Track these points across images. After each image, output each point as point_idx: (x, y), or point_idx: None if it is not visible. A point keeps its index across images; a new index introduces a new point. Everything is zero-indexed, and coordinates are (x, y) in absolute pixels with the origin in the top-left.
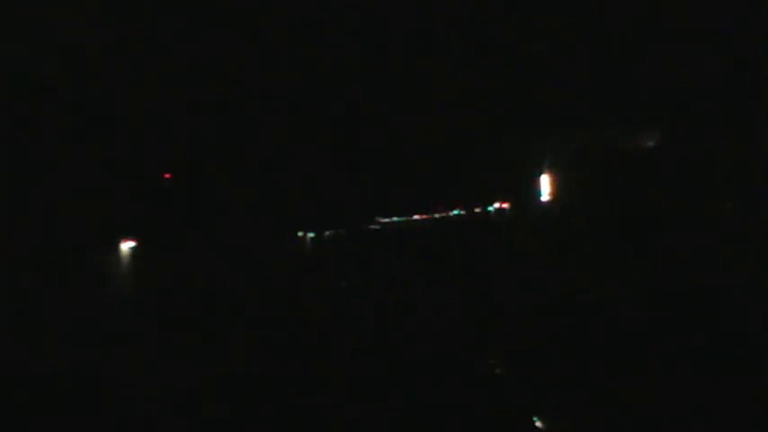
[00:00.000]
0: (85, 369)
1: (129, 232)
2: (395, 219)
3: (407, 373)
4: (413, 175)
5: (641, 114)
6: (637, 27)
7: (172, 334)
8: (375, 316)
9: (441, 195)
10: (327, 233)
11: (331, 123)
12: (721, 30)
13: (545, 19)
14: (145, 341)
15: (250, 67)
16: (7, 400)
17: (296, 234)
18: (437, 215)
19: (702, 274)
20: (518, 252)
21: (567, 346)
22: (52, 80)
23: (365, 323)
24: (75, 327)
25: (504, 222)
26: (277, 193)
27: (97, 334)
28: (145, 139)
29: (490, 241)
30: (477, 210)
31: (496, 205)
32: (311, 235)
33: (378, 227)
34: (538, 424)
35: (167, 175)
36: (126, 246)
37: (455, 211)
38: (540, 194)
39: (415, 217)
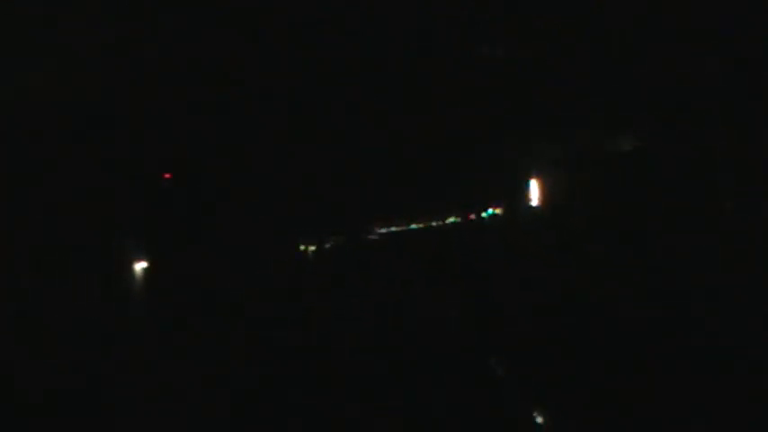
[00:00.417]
0: (88, 370)
1: (130, 233)
2: (393, 228)
3: (407, 374)
4: (409, 186)
5: (624, 120)
6: (621, 36)
7: (172, 335)
8: (376, 317)
9: (436, 204)
10: (328, 243)
11: (331, 124)
12: (700, 36)
13: (530, 28)
14: (145, 342)
15: (250, 67)
16: (9, 400)
17: (297, 242)
18: (434, 223)
19: (691, 273)
20: (511, 254)
21: (563, 346)
22: (51, 81)
23: (366, 324)
24: (77, 327)
25: (497, 226)
26: (276, 196)
27: (99, 335)
28: (145, 139)
29: (485, 245)
30: (472, 216)
31: (490, 211)
32: (312, 248)
33: (376, 236)
34: (539, 420)
35: (167, 175)
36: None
37: (451, 219)
38: (529, 199)
39: (413, 225)
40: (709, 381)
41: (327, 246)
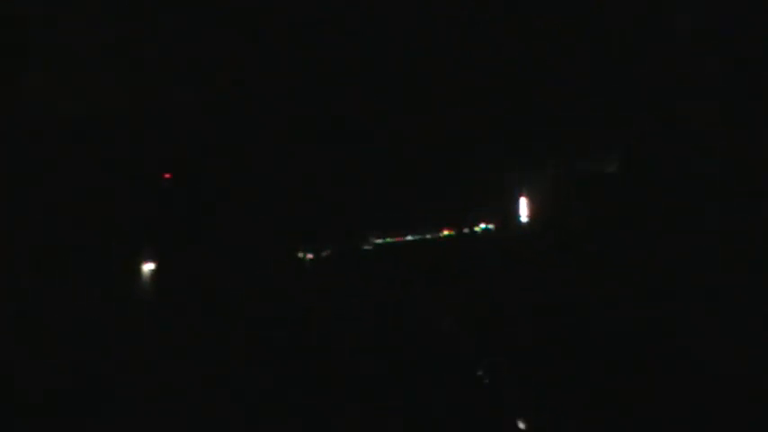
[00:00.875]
0: (88, 370)
1: (129, 233)
2: (388, 240)
3: (404, 378)
4: (405, 199)
5: (606, 144)
6: (609, 61)
7: (171, 335)
8: (371, 323)
9: (431, 218)
10: (324, 252)
11: (330, 132)
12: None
13: (523, 54)
14: (144, 342)
15: (250, 67)
16: (9, 400)
17: (295, 250)
18: (428, 236)
19: (674, 283)
20: (502, 267)
21: (554, 353)
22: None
23: (361, 328)
24: (78, 327)
25: (489, 240)
26: (274, 203)
27: (99, 335)
28: (145, 139)
29: (477, 257)
30: (466, 230)
31: (482, 226)
32: (310, 256)
33: (371, 247)
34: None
35: (167, 176)
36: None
37: (445, 232)
38: (519, 215)
39: (408, 237)
40: (708, 381)
41: (324, 254)
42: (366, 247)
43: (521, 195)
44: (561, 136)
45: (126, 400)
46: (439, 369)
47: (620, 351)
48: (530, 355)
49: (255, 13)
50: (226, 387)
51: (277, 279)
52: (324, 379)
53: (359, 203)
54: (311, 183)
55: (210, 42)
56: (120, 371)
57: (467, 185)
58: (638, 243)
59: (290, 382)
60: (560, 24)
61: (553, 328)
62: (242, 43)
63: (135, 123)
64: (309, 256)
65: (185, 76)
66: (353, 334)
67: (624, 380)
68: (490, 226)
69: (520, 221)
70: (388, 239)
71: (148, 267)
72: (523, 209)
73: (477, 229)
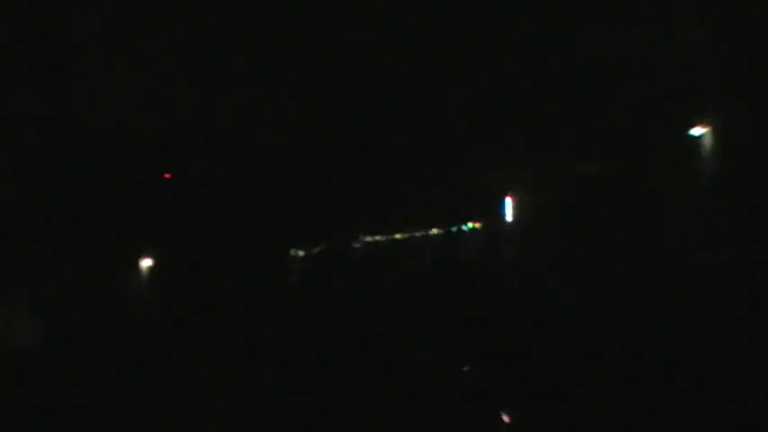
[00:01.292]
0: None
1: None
2: (378, 237)
3: (396, 370)
4: (394, 198)
5: (588, 146)
6: (589, 77)
7: (168, 332)
8: (361, 319)
9: (420, 217)
10: (315, 249)
11: (325, 136)
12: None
13: (513, 67)
14: (143, 340)
15: (251, 66)
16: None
17: (288, 250)
18: (417, 234)
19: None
20: (487, 263)
21: (542, 348)
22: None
23: (352, 326)
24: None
25: (476, 239)
26: (269, 204)
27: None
28: (145, 138)
29: (464, 254)
30: (453, 229)
31: (469, 225)
32: (300, 253)
33: (360, 245)
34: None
35: (167, 176)
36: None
37: (433, 231)
38: (504, 215)
39: (397, 236)
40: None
41: (315, 252)
42: (356, 245)
43: (506, 196)
44: (546, 139)
45: (125, 395)
46: (427, 364)
47: (603, 345)
48: (515, 350)
49: (257, 15)
50: (226, 382)
51: (269, 276)
52: (318, 372)
53: (349, 203)
54: (303, 183)
55: (210, 44)
56: (120, 366)
57: (454, 186)
58: (622, 242)
59: (287, 378)
60: (552, 32)
61: (540, 325)
62: (243, 46)
63: (135, 123)
64: (301, 253)
65: (188, 79)
66: (344, 330)
67: (608, 372)
68: (477, 225)
69: (505, 220)
70: (378, 237)
71: (147, 264)
72: (509, 208)
73: (464, 227)
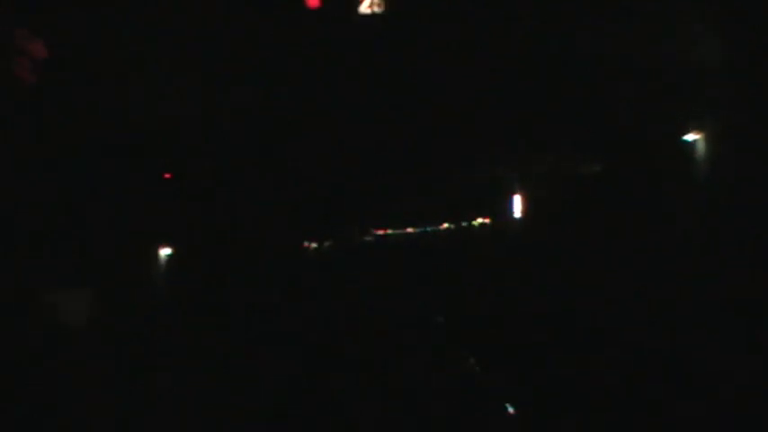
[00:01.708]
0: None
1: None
2: (389, 231)
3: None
4: (406, 194)
5: (593, 146)
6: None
7: (172, 334)
8: (369, 310)
9: (431, 211)
10: (327, 243)
11: (329, 133)
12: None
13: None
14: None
15: (251, 66)
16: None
17: (302, 242)
18: (428, 228)
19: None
20: (496, 258)
21: (547, 343)
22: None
23: (360, 316)
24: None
25: (485, 234)
26: (277, 202)
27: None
28: (145, 138)
29: (474, 249)
30: (464, 224)
31: (479, 220)
32: (314, 245)
33: (372, 238)
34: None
35: (167, 175)
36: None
37: (444, 225)
38: (513, 211)
39: (409, 230)
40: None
41: (327, 244)
42: (368, 239)
43: (515, 193)
44: (553, 138)
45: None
46: (433, 356)
47: (603, 339)
48: (520, 344)
49: (257, 15)
50: (239, 374)
51: (284, 267)
52: (318, 366)
53: (362, 199)
54: (317, 178)
55: (212, 42)
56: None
57: (465, 183)
58: (624, 239)
59: (289, 369)
60: (555, 33)
61: (543, 321)
62: (244, 45)
63: (135, 122)
64: (314, 245)
65: (189, 77)
66: (353, 320)
67: (606, 367)
68: (486, 220)
69: (513, 216)
70: (390, 231)
71: (164, 252)
72: (517, 205)
73: (474, 222)
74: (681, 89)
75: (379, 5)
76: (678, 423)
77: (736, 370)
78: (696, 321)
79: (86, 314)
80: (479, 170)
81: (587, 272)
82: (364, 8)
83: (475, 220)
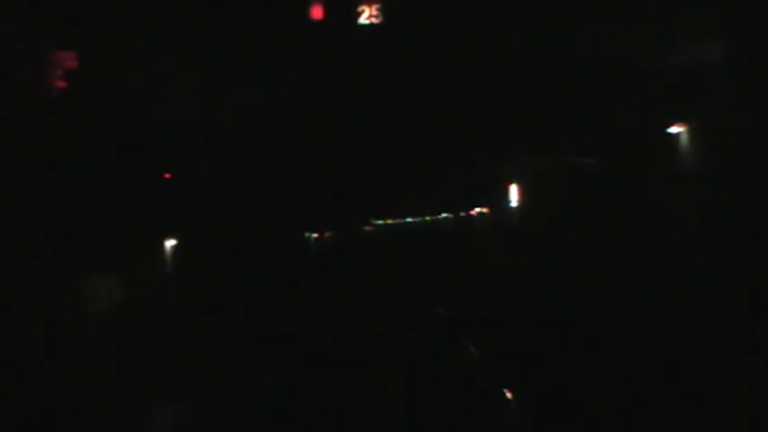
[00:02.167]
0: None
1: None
2: (389, 221)
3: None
4: (405, 184)
5: (586, 140)
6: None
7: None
8: (369, 300)
9: (430, 201)
10: (327, 234)
11: (331, 128)
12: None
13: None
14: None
15: (251, 65)
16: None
17: (304, 234)
18: (428, 218)
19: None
20: (494, 246)
21: (543, 332)
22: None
23: (360, 306)
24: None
25: (483, 223)
26: (279, 192)
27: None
28: (145, 138)
29: (472, 237)
30: (462, 213)
31: (477, 210)
32: (314, 235)
33: (372, 228)
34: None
35: (167, 175)
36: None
37: (443, 215)
38: (510, 201)
39: (408, 219)
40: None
41: (328, 234)
42: (367, 228)
43: (511, 183)
44: (549, 132)
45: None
46: (434, 345)
47: (600, 331)
48: (520, 333)
49: (256, 14)
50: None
51: (284, 267)
52: (319, 356)
53: (361, 189)
54: (317, 169)
55: (212, 42)
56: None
57: (463, 174)
58: (616, 229)
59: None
60: (552, 30)
61: (541, 311)
62: (244, 44)
63: (135, 122)
64: (314, 235)
65: (187, 74)
66: (353, 310)
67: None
68: (484, 210)
69: (510, 206)
70: (389, 221)
71: (165, 252)
72: (513, 195)
73: (472, 212)
74: (678, 88)
75: (377, 17)
76: (678, 425)
77: (737, 371)
78: (695, 322)
79: (85, 314)
80: (477, 163)
81: (583, 264)
82: (363, 19)
83: (473, 209)
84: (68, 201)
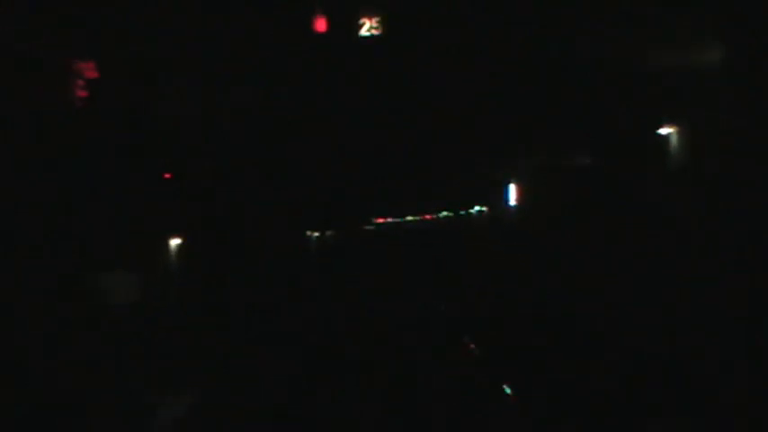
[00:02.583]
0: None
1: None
2: (389, 220)
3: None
4: (406, 183)
5: (581, 140)
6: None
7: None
8: (370, 298)
9: (430, 201)
10: (329, 232)
11: (328, 127)
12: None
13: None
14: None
15: (251, 64)
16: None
17: (304, 233)
18: (428, 216)
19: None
20: (491, 245)
21: (542, 329)
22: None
23: (361, 303)
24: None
25: (482, 221)
26: (280, 191)
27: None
28: (145, 138)
29: (472, 236)
30: (462, 212)
31: (477, 208)
32: (316, 234)
33: (372, 228)
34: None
35: (167, 175)
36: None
37: (443, 213)
38: (508, 200)
39: (409, 218)
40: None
41: (329, 233)
42: (368, 227)
43: (509, 183)
44: (547, 132)
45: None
46: (434, 344)
47: (596, 327)
48: (520, 333)
49: (256, 13)
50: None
51: (284, 267)
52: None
53: (362, 189)
54: (318, 169)
55: (212, 41)
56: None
57: (463, 173)
58: (615, 229)
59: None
60: (550, 33)
61: (541, 311)
62: (244, 44)
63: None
64: (315, 235)
65: (187, 74)
66: (353, 310)
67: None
68: (483, 208)
69: (508, 205)
70: (389, 220)
71: (165, 252)
72: (512, 195)
73: (471, 211)
74: (676, 91)
75: (377, 30)
76: (678, 425)
77: (736, 372)
78: (695, 323)
79: (86, 314)
80: (477, 164)
81: (582, 264)
82: (364, 31)
83: (472, 208)
84: (68, 201)
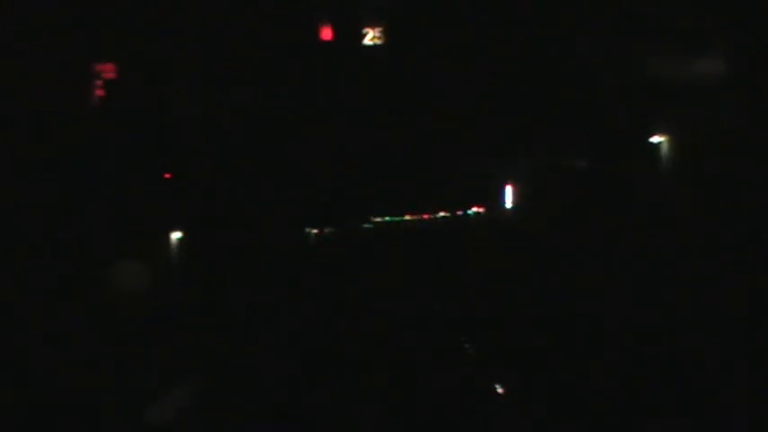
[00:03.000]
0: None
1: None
2: (387, 219)
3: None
4: (405, 183)
5: (581, 141)
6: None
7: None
8: (368, 296)
9: (428, 201)
10: (327, 230)
11: (332, 129)
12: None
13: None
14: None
15: (251, 64)
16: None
17: (303, 231)
18: (426, 216)
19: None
20: (489, 245)
21: (538, 328)
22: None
23: (359, 303)
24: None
25: (479, 222)
26: (278, 191)
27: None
28: (145, 138)
29: (469, 236)
30: (459, 213)
31: (474, 209)
32: (314, 231)
33: (371, 226)
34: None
35: (167, 175)
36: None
37: (441, 214)
38: (504, 201)
39: (407, 217)
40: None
41: (327, 231)
42: (366, 226)
43: (507, 184)
44: (547, 133)
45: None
46: (434, 344)
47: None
48: (519, 333)
49: (256, 15)
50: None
51: (284, 267)
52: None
53: (361, 189)
54: (317, 169)
55: (212, 42)
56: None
57: (460, 173)
58: (593, 235)
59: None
60: (550, 35)
61: (541, 311)
62: (244, 44)
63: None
64: (314, 231)
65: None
66: (353, 310)
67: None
68: (480, 209)
69: (505, 206)
70: (387, 218)
71: (165, 252)
72: (509, 196)
73: (468, 211)
74: (675, 92)
75: (380, 39)
76: (678, 425)
77: (736, 372)
78: (695, 323)
79: (86, 314)
80: (477, 165)
81: (582, 264)
82: (368, 40)
83: (470, 208)
84: (68, 201)
